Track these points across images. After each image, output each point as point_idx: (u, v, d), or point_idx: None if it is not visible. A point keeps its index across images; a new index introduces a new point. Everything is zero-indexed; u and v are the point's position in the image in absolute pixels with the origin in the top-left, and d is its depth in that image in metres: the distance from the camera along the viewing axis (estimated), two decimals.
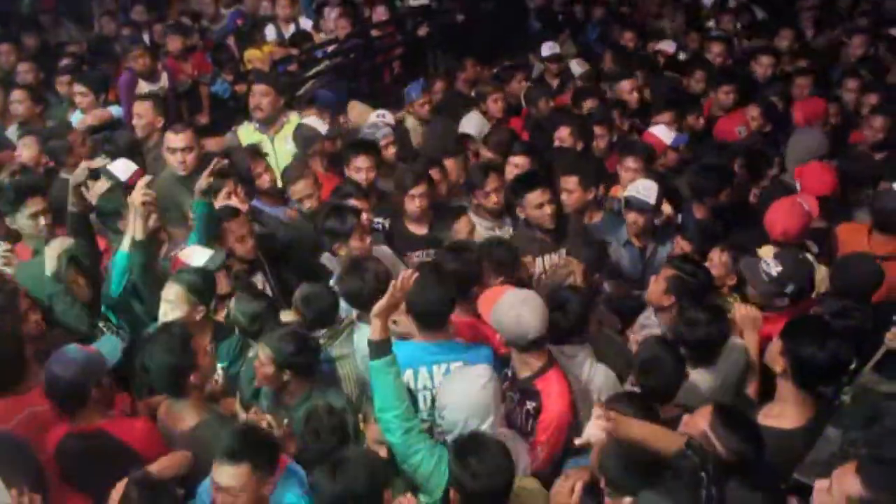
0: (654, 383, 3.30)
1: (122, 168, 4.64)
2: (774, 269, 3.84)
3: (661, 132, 5.71)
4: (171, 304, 3.79)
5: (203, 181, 4.25)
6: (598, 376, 3.57)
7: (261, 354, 3.46)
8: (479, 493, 2.72)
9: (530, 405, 3.36)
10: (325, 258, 4.51)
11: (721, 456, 2.65)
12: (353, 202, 4.58)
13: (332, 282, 4.16)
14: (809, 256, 4.31)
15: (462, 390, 3.17)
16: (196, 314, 3.81)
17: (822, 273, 4.22)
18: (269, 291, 4.38)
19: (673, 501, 2.58)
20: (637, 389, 3.37)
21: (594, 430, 2.68)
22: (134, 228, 3.95)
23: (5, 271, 4.25)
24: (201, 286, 3.84)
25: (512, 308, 3.35)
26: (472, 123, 6.16)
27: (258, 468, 2.80)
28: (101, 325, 4.08)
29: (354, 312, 3.92)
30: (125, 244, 4.00)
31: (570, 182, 4.96)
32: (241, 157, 5.12)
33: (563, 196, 4.91)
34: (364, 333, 3.56)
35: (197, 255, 4.08)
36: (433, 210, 4.95)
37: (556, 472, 3.16)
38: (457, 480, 2.76)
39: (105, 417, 3.32)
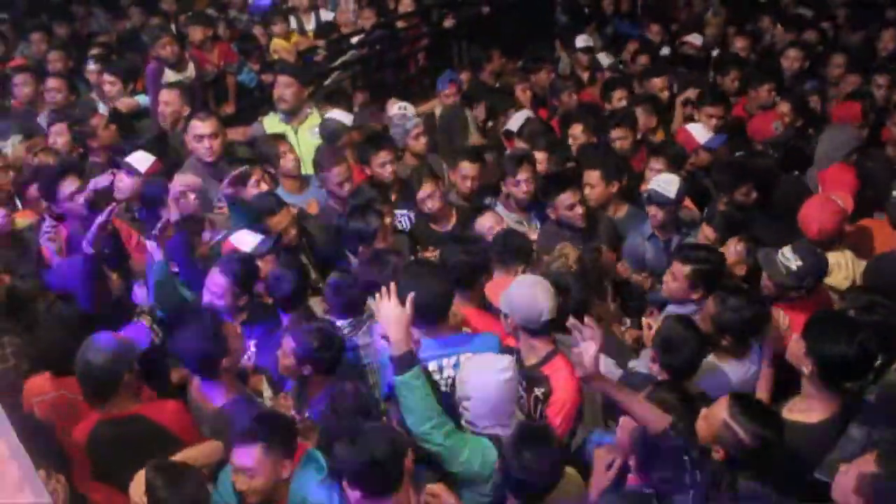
0: (675, 362, 3.35)
1: (140, 160, 4.75)
2: (794, 262, 3.81)
3: (697, 131, 5.64)
4: (215, 295, 3.85)
5: (224, 188, 4.34)
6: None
7: (284, 346, 3.47)
8: (535, 484, 2.75)
9: (539, 391, 3.36)
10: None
11: (744, 443, 2.71)
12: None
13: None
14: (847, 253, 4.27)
15: (486, 384, 3.13)
16: (238, 303, 3.87)
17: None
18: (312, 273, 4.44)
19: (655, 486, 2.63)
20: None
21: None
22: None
23: (50, 246, 4.31)
24: (244, 275, 3.88)
25: (526, 289, 3.38)
26: (518, 121, 6.11)
27: (272, 449, 2.84)
28: (137, 317, 4.08)
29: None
30: (157, 255, 4.01)
31: (592, 176, 4.99)
32: (267, 144, 5.16)
33: (586, 190, 4.93)
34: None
35: (247, 240, 4.16)
36: (457, 208, 4.97)
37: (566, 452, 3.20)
38: (513, 474, 2.78)
39: (136, 402, 3.33)
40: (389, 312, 3.00)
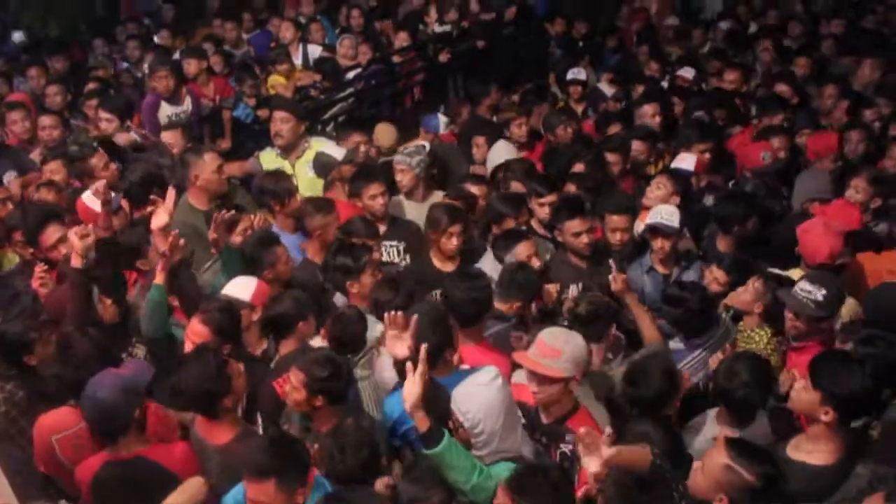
0: (640, 393, 3.35)
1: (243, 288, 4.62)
2: (818, 293, 3.77)
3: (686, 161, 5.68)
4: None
5: (211, 234, 4.28)
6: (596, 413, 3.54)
7: (293, 379, 3.34)
8: None
9: (565, 447, 3.26)
10: (337, 297, 4.42)
11: (751, 484, 2.68)
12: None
13: None
14: None
15: (486, 399, 3.09)
16: (222, 352, 3.73)
17: (850, 304, 4.17)
18: None
19: None
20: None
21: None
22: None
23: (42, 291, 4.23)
24: (226, 325, 3.75)
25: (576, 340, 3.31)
26: (500, 153, 6.12)
27: (285, 483, 2.81)
28: (131, 349, 4.06)
29: (379, 333, 3.86)
30: (158, 276, 3.95)
31: (622, 221, 4.91)
32: (281, 181, 5.11)
33: (617, 235, 4.87)
34: (386, 357, 3.59)
35: (242, 289, 4.06)
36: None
37: None
38: None
39: (143, 443, 3.27)
40: (412, 391, 2.91)
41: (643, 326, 4.16)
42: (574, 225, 4.67)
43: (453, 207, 4.85)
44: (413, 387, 2.90)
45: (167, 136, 5.83)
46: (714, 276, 4.46)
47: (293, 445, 3.01)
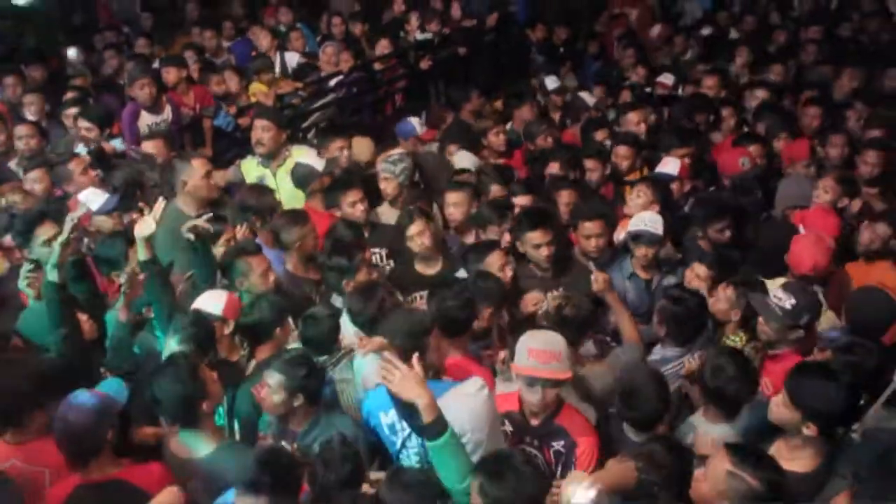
0: (636, 413, 3.36)
1: (93, 198, 4.77)
2: (788, 302, 3.79)
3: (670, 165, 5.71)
4: None
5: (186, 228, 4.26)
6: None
7: (270, 382, 3.38)
8: None
9: (558, 444, 3.31)
10: (335, 299, 4.45)
11: (756, 490, 2.66)
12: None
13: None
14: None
15: (473, 410, 3.06)
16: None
17: (828, 317, 4.21)
18: None
19: None
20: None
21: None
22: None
23: (29, 293, 4.19)
24: (201, 337, 3.76)
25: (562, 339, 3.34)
26: (462, 163, 6.12)
27: (277, 497, 2.77)
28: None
29: (353, 334, 3.89)
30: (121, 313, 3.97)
31: (596, 227, 4.88)
32: (265, 196, 5.09)
33: (591, 242, 4.84)
34: (367, 360, 3.60)
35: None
36: (443, 249, 4.90)
37: None
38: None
39: (117, 465, 3.20)
40: (407, 378, 2.83)
41: (623, 325, 4.17)
42: (535, 236, 4.62)
43: (421, 209, 4.87)
44: (403, 376, 2.83)
45: (149, 146, 5.78)
46: (696, 273, 4.47)
47: (286, 460, 2.96)
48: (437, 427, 2.83)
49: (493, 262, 4.41)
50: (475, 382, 3.14)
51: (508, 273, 4.41)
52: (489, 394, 3.12)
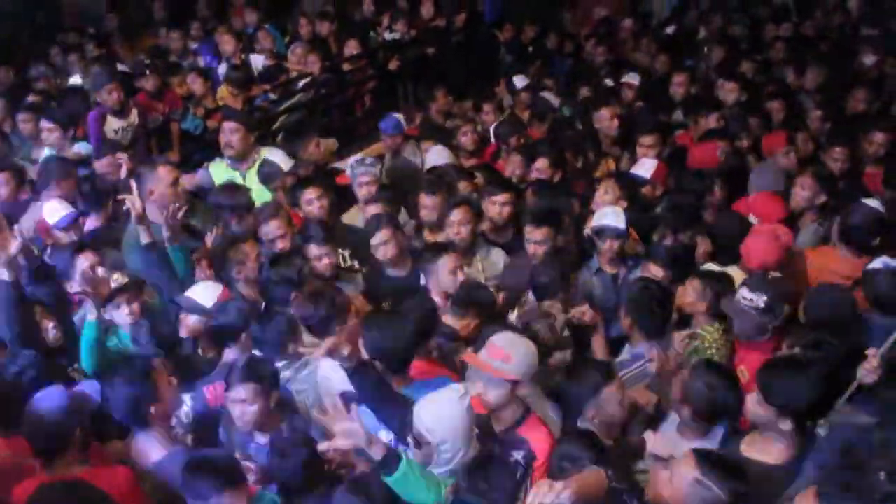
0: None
1: (53, 211, 4.80)
2: (760, 300, 3.81)
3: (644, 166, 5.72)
4: None
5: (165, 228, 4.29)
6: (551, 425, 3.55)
7: (242, 394, 3.36)
8: None
9: (517, 455, 3.24)
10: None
11: (721, 499, 2.65)
12: (313, 247, 4.55)
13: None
14: None
15: (454, 418, 3.05)
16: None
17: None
18: None
19: None
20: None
21: None
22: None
23: None
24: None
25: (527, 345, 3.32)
26: (435, 157, 6.13)
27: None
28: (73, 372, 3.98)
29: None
30: (90, 314, 3.93)
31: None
32: (226, 195, 5.07)
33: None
34: (324, 367, 3.65)
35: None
36: (412, 251, 4.90)
37: None
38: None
39: (83, 466, 3.18)
40: (350, 429, 2.86)
41: (597, 345, 4.17)
42: (528, 232, 4.70)
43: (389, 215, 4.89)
44: (347, 426, 2.85)
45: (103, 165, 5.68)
46: (652, 273, 4.50)
47: (224, 461, 2.98)
48: (389, 461, 2.83)
49: (445, 265, 4.40)
50: (457, 389, 3.13)
51: (460, 276, 4.36)
52: (469, 403, 3.09)
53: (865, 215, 4.53)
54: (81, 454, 3.20)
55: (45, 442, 3.12)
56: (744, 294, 3.88)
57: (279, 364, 3.73)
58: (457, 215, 4.89)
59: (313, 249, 4.60)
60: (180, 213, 4.37)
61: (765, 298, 3.81)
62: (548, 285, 4.27)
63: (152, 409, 3.28)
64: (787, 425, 3.04)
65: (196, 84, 7.64)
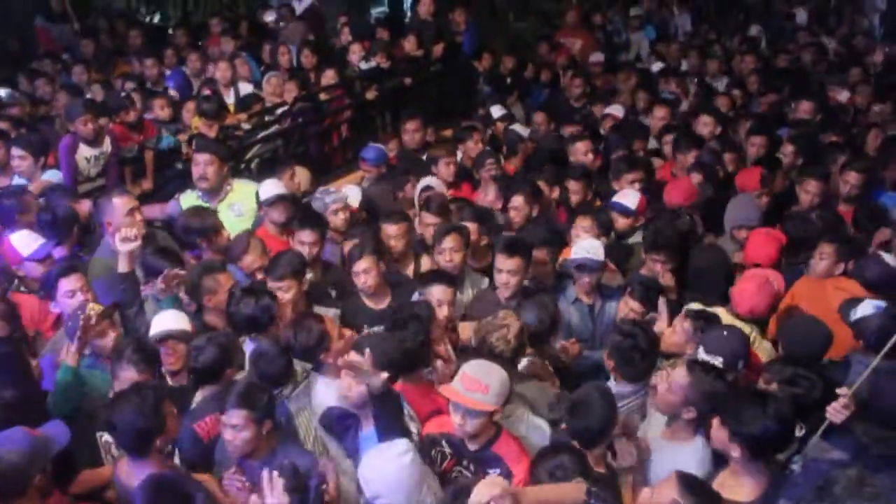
0: (581, 425, 3.34)
1: (25, 242, 4.72)
2: (716, 361, 3.69)
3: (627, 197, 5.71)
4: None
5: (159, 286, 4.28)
6: (535, 433, 3.64)
7: (234, 420, 3.30)
8: None
9: (493, 472, 3.30)
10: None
11: None
12: (285, 283, 4.44)
13: None
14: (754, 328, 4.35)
15: (388, 475, 3.05)
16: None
17: (764, 347, 4.29)
18: None
19: None
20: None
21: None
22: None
23: None
24: (148, 358, 3.84)
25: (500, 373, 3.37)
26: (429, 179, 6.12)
27: None
28: None
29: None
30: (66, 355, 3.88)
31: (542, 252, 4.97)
32: (195, 219, 5.03)
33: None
34: (321, 385, 3.66)
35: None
36: (391, 282, 4.85)
37: None
38: None
39: None
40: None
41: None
42: (499, 261, 4.67)
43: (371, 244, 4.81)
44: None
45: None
46: (630, 307, 4.53)
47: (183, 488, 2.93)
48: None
49: (434, 294, 4.37)
50: (398, 445, 3.11)
51: (444, 311, 4.29)
52: (413, 458, 3.09)
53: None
54: (40, 497, 3.10)
55: (2, 485, 3.01)
56: (702, 356, 3.76)
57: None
58: (448, 242, 4.88)
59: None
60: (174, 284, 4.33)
61: (720, 360, 3.71)
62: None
63: (158, 442, 3.27)
64: (737, 451, 3.09)
65: (164, 112, 7.59)
